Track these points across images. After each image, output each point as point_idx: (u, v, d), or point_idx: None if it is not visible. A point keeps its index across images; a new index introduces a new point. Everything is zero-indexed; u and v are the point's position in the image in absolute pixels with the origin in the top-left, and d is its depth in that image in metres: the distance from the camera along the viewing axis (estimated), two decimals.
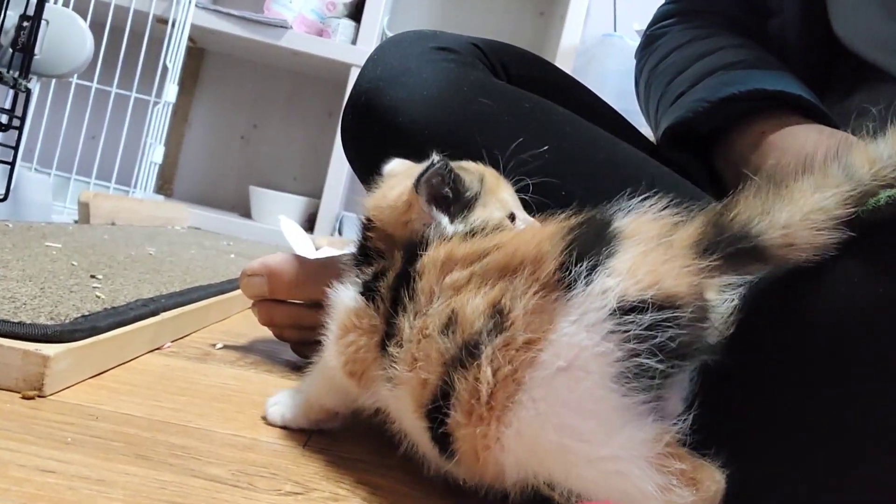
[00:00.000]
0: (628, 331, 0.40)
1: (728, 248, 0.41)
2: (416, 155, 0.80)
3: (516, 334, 0.43)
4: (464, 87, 0.80)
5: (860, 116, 0.74)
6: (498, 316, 0.44)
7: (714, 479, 0.42)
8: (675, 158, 0.83)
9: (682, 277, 0.41)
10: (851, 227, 0.42)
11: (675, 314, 0.40)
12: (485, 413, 0.44)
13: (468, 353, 0.45)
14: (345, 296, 0.55)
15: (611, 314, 0.41)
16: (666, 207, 0.44)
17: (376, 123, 0.80)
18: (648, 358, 0.40)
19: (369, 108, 0.80)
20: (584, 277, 0.42)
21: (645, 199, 0.45)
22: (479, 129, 0.77)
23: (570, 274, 0.43)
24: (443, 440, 0.47)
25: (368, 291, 0.53)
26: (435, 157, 0.55)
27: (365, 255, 0.57)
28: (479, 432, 0.44)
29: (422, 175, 0.53)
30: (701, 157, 0.84)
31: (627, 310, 0.40)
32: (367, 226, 0.57)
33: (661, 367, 0.40)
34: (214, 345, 0.87)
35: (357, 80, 0.82)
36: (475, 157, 0.78)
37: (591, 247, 0.43)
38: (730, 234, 0.42)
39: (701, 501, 0.41)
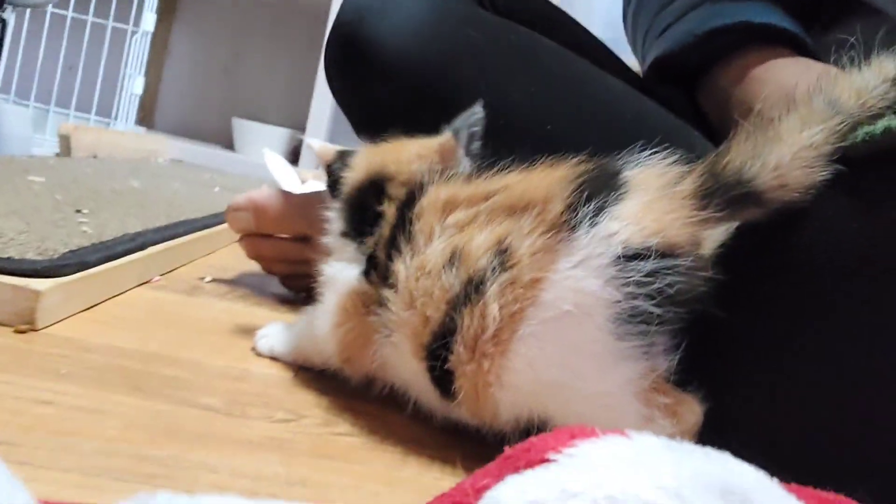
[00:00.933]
0: (630, 277, 0.41)
1: (724, 196, 0.42)
2: (402, 88, 0.80)
3: (522, 272, 0.44)
4: (450, 19, 0.79)
5: (839, 48, 0.74)
6: (503, 254, 0.45)
7: (693, 410, 0.44)
8: (661, 92, 0.83)
9: (684, 227, 0.42)
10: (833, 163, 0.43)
11: (675, 262, 0.41)
12: (489, 349, 0.45)
13: (474, 288, 0.45)
14: (345, 274, 0.55)
15: (614, 260, 0.42)
16: (675, 161, 0.45)
17: (360, 57, 0.79)
18: (646, 302, 0.41)
19: (353, 41, 0.79)
20: (590, 220, 0.43)
21: (655, 152, 0.45)
22: (466, 62, 0.77)
23: (576, 215, 0.43)
24: (444, 379, 0.47)
25: (371, 263, 0.53)
26: (478, 107, 0.57)
27: (368, 224, 0.55)
28: (483, 368, 0.45)
29: (466, 122, 0.56)
30: (688, 91, 0.84)
31: (630, 256, 0.41)
32: (377, 188, 0.56)
33: (657, 311, 0.41)
34: (202, 278, 0.88)
35: (339, 11, 0.81)
36: (462, 92, 0.78)
37: (598, 191, 0.44)
38: (724, 182, 0.42)
39: (679, 433, 0.43)
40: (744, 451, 0.33)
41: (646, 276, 0.41)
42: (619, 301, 0.41)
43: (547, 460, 0.30)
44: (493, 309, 0.44)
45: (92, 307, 0.67)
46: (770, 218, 0.46)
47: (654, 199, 0.43)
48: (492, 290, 0.44)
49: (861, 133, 0.42)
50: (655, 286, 0.41)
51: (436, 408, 0.52)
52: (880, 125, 0.40)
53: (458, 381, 0.47)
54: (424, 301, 0.47)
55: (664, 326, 0.42)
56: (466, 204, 0.48)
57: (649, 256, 0.41)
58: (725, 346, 0.47)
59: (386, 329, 0.50)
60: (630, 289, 0.41)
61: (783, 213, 0.45)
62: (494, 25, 0.80)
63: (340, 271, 0.56)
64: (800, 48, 0.73)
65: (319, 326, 0.56)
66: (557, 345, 0.43)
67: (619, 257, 0.41)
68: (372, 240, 0.54)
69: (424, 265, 0.48)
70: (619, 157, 0.46)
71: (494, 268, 0.45)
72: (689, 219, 0.42)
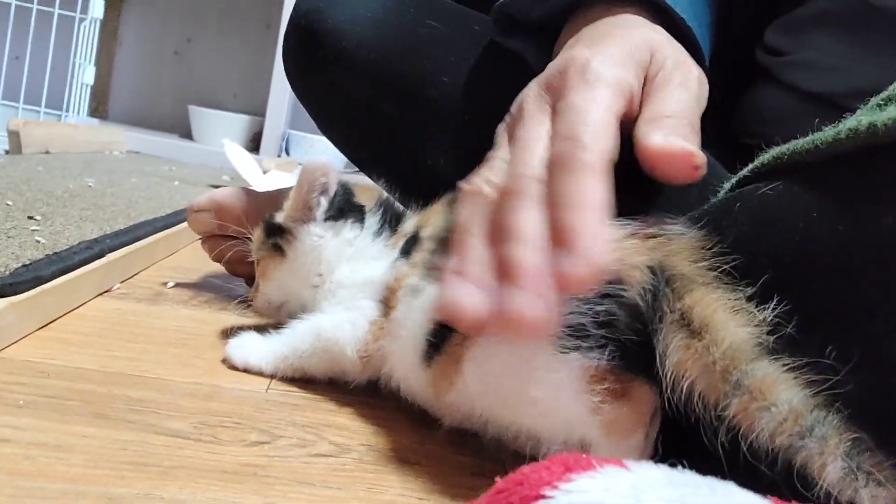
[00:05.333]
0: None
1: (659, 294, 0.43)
2: (363, 79, 0.77)
3: None
4: (410, 8, 0.76)
5: (817, 24, 0.71)
6: None
7: (645, 391, 0.44)
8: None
9: (640, 271, 0.43)
10: (811, 161, 0.42)
11: (619, 291, 0.43)
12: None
13: None
14: (373, 273, 0.58)
15: None
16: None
17: (320, 49, 0.76)
18: (585, 319, 0.43)
19: (311, 32, 0.76)
20: None
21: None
22: (428, 52, 0.75)
23: None
24: (438, 339, 0.49)
25: (410, 244, 0.57)
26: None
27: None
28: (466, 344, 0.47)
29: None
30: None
31: None
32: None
33: (593, 331, 0.43)
34: (165, 283, 0.85)
35: (295, 3, 0.78)
36: (424, 83, 0.76)
37: None
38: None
39: (633, 413, 0.44)
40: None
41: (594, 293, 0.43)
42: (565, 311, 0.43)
43: (542, 496, 0.29)
44: None
45: (49, 324, 0.64)
46: (749, 212, 0.45)
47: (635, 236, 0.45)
48: None
49: (844, 129, 0.40)
50: (598, 308, 0.43)
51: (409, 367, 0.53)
52: (865, 121, 0.39)
53: (442, 349, 0.49)
54: None
55: (595, 344, 0.43)
56: None
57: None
58: None
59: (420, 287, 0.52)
60: (577, 301, 0.43)
61: (762, 208, 0.44)
62: (456, 14, 0.78)
63: (369, 272, 0.58)
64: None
65: (345, 332, 0.57)
66: (507, 342, 0.45)
67: None
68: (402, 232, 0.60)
69: None
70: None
71: None
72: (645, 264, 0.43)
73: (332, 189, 0.63)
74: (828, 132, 0.42)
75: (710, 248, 0.44)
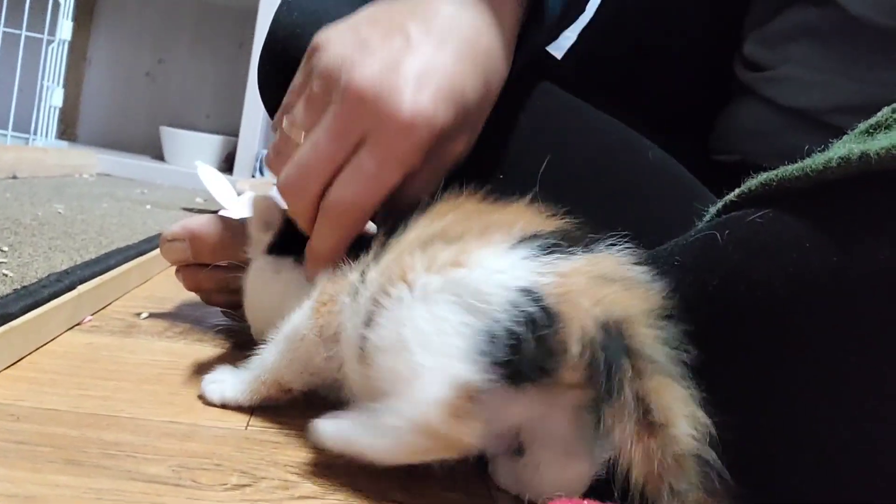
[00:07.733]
0: (517, 308, 0.41)
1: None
2: None
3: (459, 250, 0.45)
4: None
5: (788, 39, 0.71)
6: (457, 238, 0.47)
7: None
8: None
9: (587, 317, 0.41)
10: (802, 188, 0.41)
11: (554, 328, 0.40)
12: None
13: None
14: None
15: (517, 289, 0.42)
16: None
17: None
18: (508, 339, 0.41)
19: (288, 58, 0.74)
20: (528, 247, 0.44)
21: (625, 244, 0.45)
22: None
23: (523, 240, 0.45)
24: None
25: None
26: None
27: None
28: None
29: None
30: None
31: (526, 293, 0.42)
32: None
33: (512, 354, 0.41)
34: (139, 314, 0.83)
35: (271, 27, 0.76)
36: None
37: (556, 238, 0.45)
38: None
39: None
40: None
41: (524, 318, 0.41)
42: (485, 324, 0.42)
43: None
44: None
45: (17, 362, 0.62)
46: (740, 240, 0.44)
47: (591, 278, 0.42)
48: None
49: (835, 157, 0.40)
50: (520, 336, 0.41)
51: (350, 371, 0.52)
52: (856, 150, 0.38)
53: None
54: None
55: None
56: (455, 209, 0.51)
57: (538, 303, 0.41)
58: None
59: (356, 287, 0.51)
60: (505, 322, 0.41)
61: (754, 236, 0.43)
62: None
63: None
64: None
65: (297, 318, 0.56)
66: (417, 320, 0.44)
67: (521, 290, 0.42)
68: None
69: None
70: (599, 237, 0.46)
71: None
72: (595, 315, 0.41)
73: (276, 224, 0.64)
74: (817, 159, 0.41)
75: (672, 316, 0.42)
